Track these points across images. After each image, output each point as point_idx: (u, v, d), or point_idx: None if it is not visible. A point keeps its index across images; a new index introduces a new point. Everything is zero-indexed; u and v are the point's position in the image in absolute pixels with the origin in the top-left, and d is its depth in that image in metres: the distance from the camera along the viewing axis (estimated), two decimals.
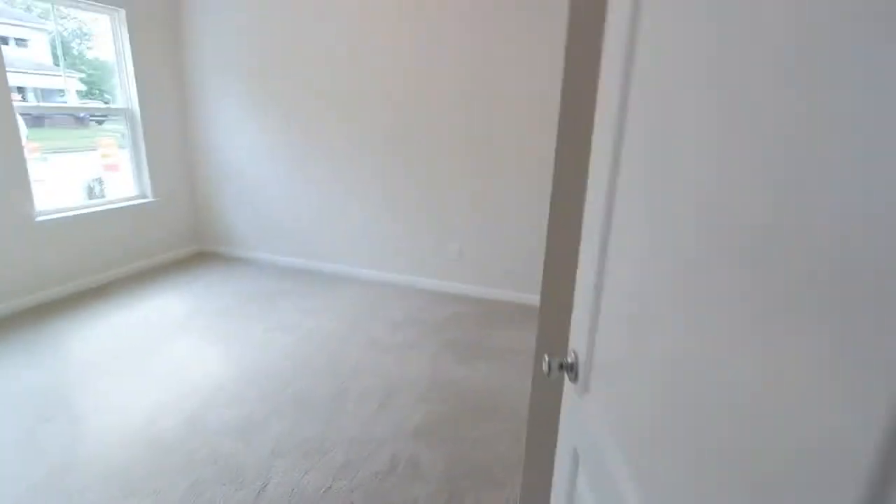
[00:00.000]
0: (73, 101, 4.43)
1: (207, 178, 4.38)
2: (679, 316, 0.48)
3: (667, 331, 0.51)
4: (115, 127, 4.79)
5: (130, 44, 3.75)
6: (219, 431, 2.10)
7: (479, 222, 3.56)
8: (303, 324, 3.17)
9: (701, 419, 0.44)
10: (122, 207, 3.87)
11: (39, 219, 3.30)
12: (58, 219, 3.41)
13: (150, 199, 4.08)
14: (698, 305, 0.45)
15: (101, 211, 3.72)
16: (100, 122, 6.39)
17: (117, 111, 3.92)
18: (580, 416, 0.79)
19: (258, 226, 4.31)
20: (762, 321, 0.36)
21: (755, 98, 0.37)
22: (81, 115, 6.53)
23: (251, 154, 4.14)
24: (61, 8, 3.63)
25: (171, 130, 4.18)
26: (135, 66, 3.80)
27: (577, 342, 0.81)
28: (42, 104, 4.95)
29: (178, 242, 4.39)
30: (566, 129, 1.08)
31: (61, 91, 5.00)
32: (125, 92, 3.87)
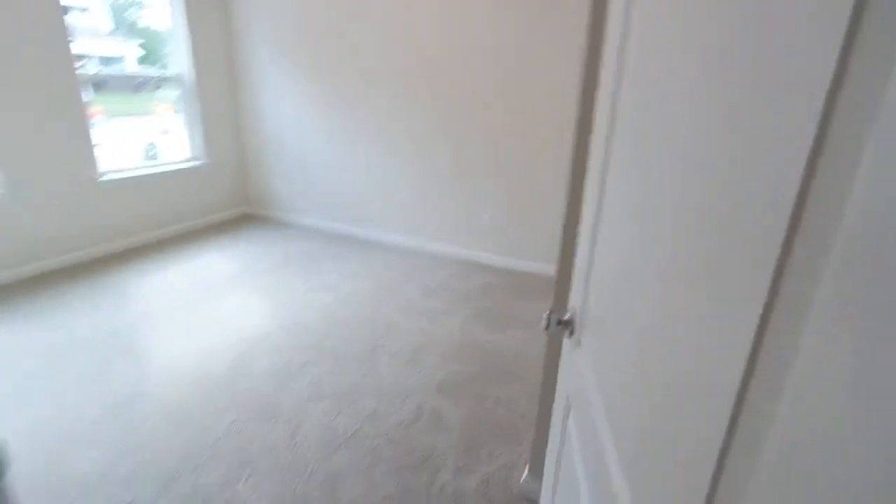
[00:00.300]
0: (131, 67, 4.66)
1: (255, 143, 4.57)
2: (647, 283, 0.54)
3: (636, 294, 0.57)
4: (171, 93, 5.03)
5: (186, 12, 3.91)
6: (260, 376, 2.30)
7: (511, 194, 3.59)
8: (341, 285, 3.33)
9: (654, 375, 0.50)
10: (176, 170, 4.11)
11: (102, 179, 3.56)
12: (118, 179, 3.68)
13: (202, 161, 4.31)
14: (660, 275, 0.51)
15: (157, 173, 3.97)
16: (156, 88, 6.71)
17: (172, 77, 4.12)
18: (573, 367, 0.86)
19: (302, 191, 4.48)
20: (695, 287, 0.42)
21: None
22: (139, 80, 6.87)
23: (298, 121, 4.28)
24: None
25: (222, 96, 4.37)
26: (189, 33, 3.97)
27: (574, 300, 0.88)
28: (102, 70, 5.23)
29: (226, 204, 4.63)
30: (585, 105, 1.12)
31: (120, 57, 5.24)
32: (180, 59, 4.06)
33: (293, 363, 2.41)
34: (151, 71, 5.64)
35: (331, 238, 4.28)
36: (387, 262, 3.78)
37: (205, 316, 2.85)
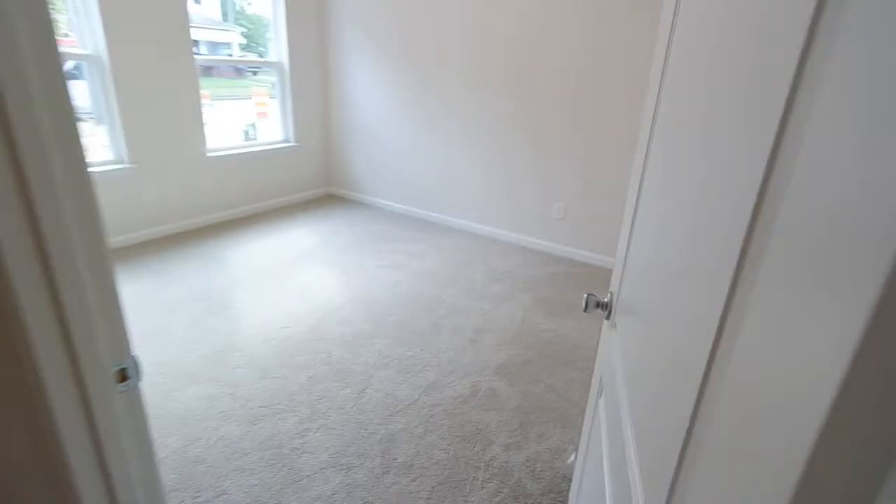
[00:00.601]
0: (235, 53, 5.08)
1: (340, 128, 4.86)
2: (655, 274, 0.60)
3: (650, 283, 0.63)
4: (267, 78, 5.43)
5: (285, 3, 4.22)
6: (333, 341, 2.52)
7: (583, 186, 3.56)
8: (410, 265, 3.51)
9: (654, 355, 0.56)
10: (270, 150, 4.49)
11: (209, 155, 3.98)
12: (221, 156, 4.09)
13: (293, 143, 4.66)
14: (677, 270, 0.56)
15: (254, 152, 4.35)
16: (254, 73, 7.25)
17: (271, 64, 4.47)
18: (608, 349, 0.92)
19: (381, 175, 4.72)
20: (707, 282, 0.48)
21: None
22: (240, 66, 7.45)
23: (380, 108, 4.50)
24: None
25: (313, 83, 4.68)
26: (287, 24, 4.28)
27: (614, 284, 0.94)
28: (214, 56, 5.72)
29: (312, 184, 4.98)
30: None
31: (227, 44, 5.70)
32: (278, 47, 4.40)
33: (362, 333, 2.61)
34: (254, 58, 6.12)
35: (404, 220, 4.48)
36: (456, 246, 3.91)
37: (288, 284, 3.14)
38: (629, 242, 0.84)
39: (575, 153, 3.54)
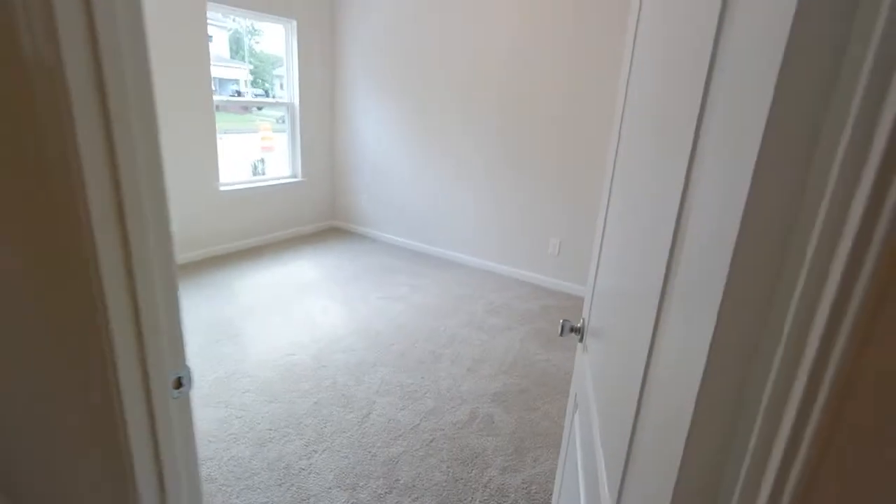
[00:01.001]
0: (242, 89, 5.35)
1: (344, 163, 5.09)
2: (620, 300, 0.75)
3: (611, 308, 0.78)
4: (272, 113, 5.67)
5: (297, 48, 4.51)
6: (337, 367, 2.63)
7: (577, 223, 3.75)
8: (411, 297, 3.65)
9: (613, 370, 0.71)
10: (278, 184, 4.69)
11: (221, 189, 4.18)
12: (232, 190, 4.28)
13: (300, 178, 4.87)
14: (627, 293, 0.72)
15: (264, 186, 4.55)
16: (259, 108, 7.56)
17: (281, 104, 4.73)
18: (581, 369, 1.06)
19: (383, 209, 4.91)
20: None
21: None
22: (248, 102, 7.75)
23: (383, 145, 4.73)
24: (246, 18, 4.47)
25: (320, 121, 4.94)
26: (299, 66, 4.56)
27: (585, 310, 1.09)
28: (234, 98, 6.00)
29: (317, 217, 5.17)
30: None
31: (235, 80, 5.97)
32: (289, 87, 4.66)
33: (365, 362, 2.72)
34: (260, 93, 6.41)
35: (406, 253, 4.64)
36: (456, 279, 4.05)
37: (294, 314, 3.26)
38: (597, 270, 0.99)
39: (569, 192, 3.74)
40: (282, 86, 5.15)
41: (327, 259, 4.37)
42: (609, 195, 0.95)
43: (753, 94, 0.35)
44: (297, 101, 4.67)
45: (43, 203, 0.80)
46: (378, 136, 4.74)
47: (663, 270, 0.51)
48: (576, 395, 1.09)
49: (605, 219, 0.96)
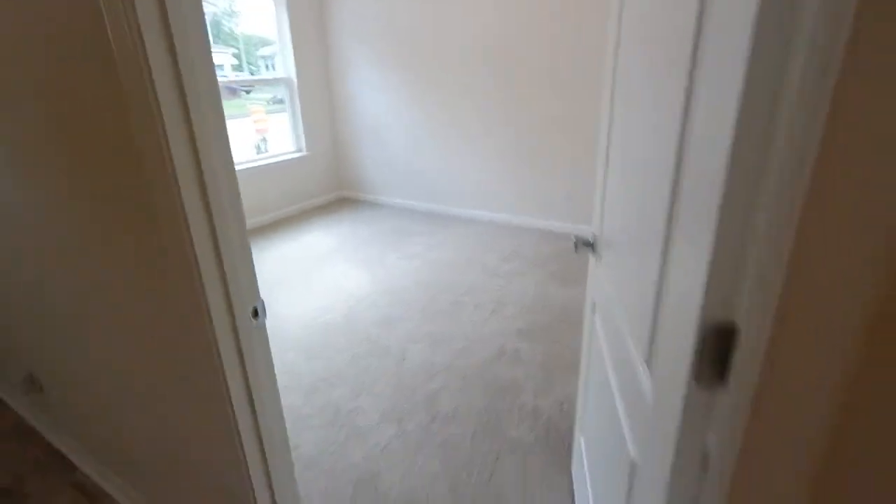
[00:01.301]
0: (228, 73, 5.37)
1: (348, 134, 5.14)
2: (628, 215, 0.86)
3: (624, 221, 0.89)
4: (262, 95, 5.67)
5: (289, 21, 4.50)
6: (367, 323, 2.79)
7: (585, 166, 3.82)
8: (427, 254, 3.77)
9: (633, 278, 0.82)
10: (283, 160, 4.76)
11: None
12: (239, 170, 4.36)
13: (305, 153, 4.94)
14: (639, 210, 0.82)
15: (270, 164, 4.63)
16: (248, 92, 7.52)
17: (279, 81, 4.75)
18: (596, 278, 1.18)
19: (390, 174, 4.99)
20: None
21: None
22: (234, 86, 7.71)
23: (384, 111, 4.77)
24: None
25: (318, 93, 4.96)
26: (293, 40, 4.56)
27: (595, 226, 1.20)
28: (227, 78, 5.97)
29: (325, 189, 5.26)
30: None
31: (220, 66, 5.95)
32: (284, 63, 4.67)
33: (392, 316, 2.88)
34: (265, 75, 6.40)
35: (417, 215, 4.75)
36: (467, 234, 4.17)
37: (317, 281, 3.41)
38: (604, 192, 1.10)
39: (567, 137, 3.80)
40: (268, 66, 5.16)
41: (341, 228, 4.49)
42: (610, 125, 1.05)
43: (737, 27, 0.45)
44: (294, 76, 4.68)
45: (141, 187, 0.91)
46: (380, 103, 4.77)
47: (669, 189, 0.63)
48: (593, 301, 1.22)
49: (609, 129, 1.06)
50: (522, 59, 3.80)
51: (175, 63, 0.78)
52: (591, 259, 1.24)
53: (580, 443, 1.51)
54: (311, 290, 3.25)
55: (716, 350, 0.53)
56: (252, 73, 6.67)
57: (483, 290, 3.13)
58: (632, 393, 0.85)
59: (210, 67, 0.84)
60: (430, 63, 4.29)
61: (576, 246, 1.21)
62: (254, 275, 1.01)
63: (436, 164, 4.61)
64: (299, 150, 4.95)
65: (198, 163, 0.84)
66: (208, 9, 4.77)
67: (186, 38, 0.78)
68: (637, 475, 0.82)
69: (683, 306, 0.58)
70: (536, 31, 3.67)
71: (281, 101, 4.91)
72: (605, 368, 1.08)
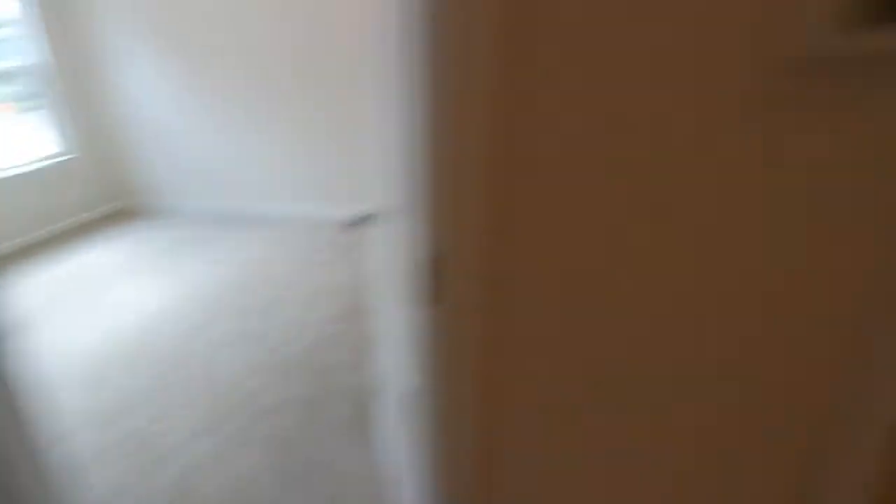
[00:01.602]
0: None
1: (126, 133, 4.49)
2: None
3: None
4: (9, 90, 4.66)
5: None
6: (168, 337, 2.58)
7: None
8: (233, 257, 3.54)
9: None
10: (43, 167, 3.99)
11: None
12: None
13: (74, 155, 4.21)
14: None
15: (22, 173, 3.84)
16: None
17: (27, 68, 3.94)
18: (376, 249, 1.36)
19: (178, 174, 4.51)
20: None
21: None
22: None
23: (165, 107, 4.28)
24: None
25: (85, 84, 4.26)
26: (44, 21, 3.84)
27: (375, 205, 1.38)
28: None
29: (104, 198, 4.53)
30: None
31: None
32: (39, 48, 3.91)
33: (198, 324, 2.69)
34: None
35: (215, 217, 4.36)
36: (273, 229, 4.00)
37: (102, 303, 2.99)
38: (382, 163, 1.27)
39: (346, 117, 3.90)
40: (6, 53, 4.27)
41: (127, 240, 3.97)
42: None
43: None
44: (47, 65, 3.95)
45: None
46: (160, 99, 4.29)
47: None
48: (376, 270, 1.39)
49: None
50: (316, 46, 3.79)
51: None
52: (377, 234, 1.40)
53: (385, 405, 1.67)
54: (97, 314, 2.85)
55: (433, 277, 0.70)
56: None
57: (297, 284, 3.12)
58: (402, 331, 1.02)
59: None
60: (210, 54, 3.95)
61: (357, 226, 1.34)
62: None
63: (228, 160, 4.29)
64: (69, 153, 4.20)
65: None
66: None
67: None
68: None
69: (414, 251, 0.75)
70: (302, 14, 3.71)
71: (36, 96, 4.09)
72: (389, 325, 1.25)
